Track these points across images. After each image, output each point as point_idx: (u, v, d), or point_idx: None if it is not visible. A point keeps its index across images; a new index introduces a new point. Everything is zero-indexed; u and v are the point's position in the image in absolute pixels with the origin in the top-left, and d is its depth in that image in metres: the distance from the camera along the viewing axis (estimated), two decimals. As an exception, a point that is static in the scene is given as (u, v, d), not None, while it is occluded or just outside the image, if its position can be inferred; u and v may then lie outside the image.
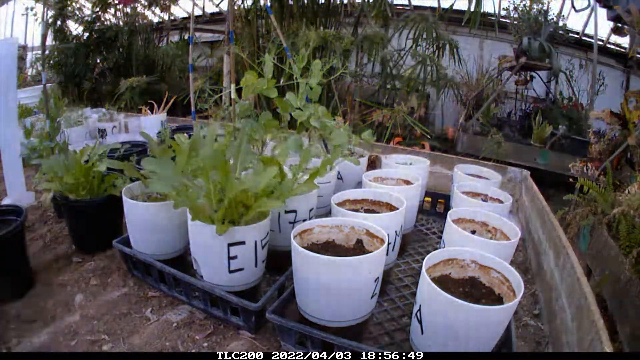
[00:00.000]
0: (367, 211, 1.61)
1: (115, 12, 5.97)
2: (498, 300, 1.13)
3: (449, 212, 1.48)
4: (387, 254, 1.44)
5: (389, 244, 1.41)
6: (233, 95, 1.87)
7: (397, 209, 1.50)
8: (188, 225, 1.32)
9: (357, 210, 1.58)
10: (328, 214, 1.90)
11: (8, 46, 2.03)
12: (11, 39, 2.11)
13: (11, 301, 1.43)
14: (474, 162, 2.56)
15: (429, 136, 4.22)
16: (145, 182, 1.59)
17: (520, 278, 1.05)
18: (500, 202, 1.74)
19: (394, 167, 2.01)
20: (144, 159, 1.18)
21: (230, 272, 1.28)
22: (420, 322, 1.06)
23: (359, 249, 1.32)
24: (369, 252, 1.29)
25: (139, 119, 3.66)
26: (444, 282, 1.18)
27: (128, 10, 5.87)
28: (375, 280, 1.15)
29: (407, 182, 1.89)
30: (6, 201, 2.12)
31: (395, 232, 1.42)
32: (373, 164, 2.75)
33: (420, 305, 1.06)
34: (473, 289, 1.16)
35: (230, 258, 1.26)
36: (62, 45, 5.72)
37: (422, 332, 1.06)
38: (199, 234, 1.27)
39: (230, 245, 1.24)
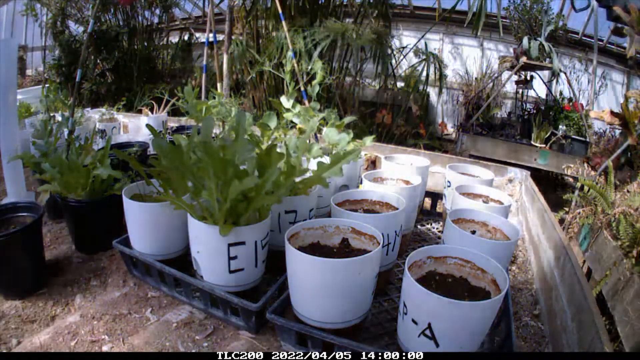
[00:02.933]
0: (366, 211, 1.61)
1: (115, 12, 5.97)
2: (485, 296, 1.12)
3: (449, 212, 1.49)
4: (387, 254, 1.44)
5: (388, 244, 1.41)
6: (220, 90, 1.88)
7: (397, 209, 1.50)
8: (188, 225, 1.32)
9: (356, 211, 1.58)
10: (329, 214, 1.90)
11: (8, 46, 2.03)
12: (11, 39, 2.11)
13: (12, 300, 1.43)
14: (466, 161, 2.55)
15: (421, 131, 4.23)
16: (148, 181, 1.59)
17: (506, 275, 1.05)
18: (501, 203, 1.74)
19: (394, 168, 2.01)
20: (154, 139, 1.19)
21: (231, 272, 1.28)
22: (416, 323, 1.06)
23: (345, 247, 1.33)
24: (355, 249, 1.29)
25: (139, 120, 3.66)
26: (429, 279, 1.18)
27: (128, 10, 5.86)
28: (371, 281, 1.16)
29: (407, 182, 1.89)
30: (5, 201, 2.11)
31: (395, 232, 1.42)
32: (373, 165, 2.75)
33: (404, 302, 1.07)
34: (459, 286, 1.16)
35: (230, 258, 1.26)
36: (62, 44, 5.72)
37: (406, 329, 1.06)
38: (199, 233, 1.28)
39: (230, 245, 1.24)
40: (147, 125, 1.55)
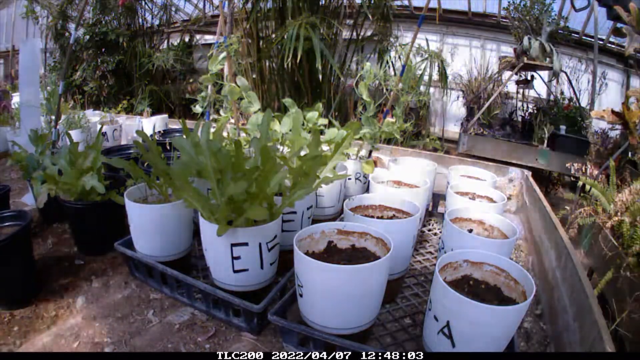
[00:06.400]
0: (378, 217, 1.58)
1: (115, 14, 5.97)
2: (511, 301, 1.12)
3: (447, 211, 1.48)
4: (398, 262, 1.42)
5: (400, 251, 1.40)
6: (224, 92, 1.89)
7: (409, 214, 1.50)
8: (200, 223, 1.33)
9: (367, 216, 1.56)
10: (331, 217, 1.89)
11: (31, 45, 2.21)
12: (34, 39, 2.23)
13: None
14: (467, 162, 2.56)
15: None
16: (149, 182, 1.59)
17: (534, 287, 1.03)
18: (491, 200, 1.75)
19: (399, 171, 2.01)
20: (174, 138, 1.21)
21: (235, 272, 1.29)
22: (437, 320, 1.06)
23: (355, 251, 1.32)
24: (365, 254, 1.29)
25: (140, 122, 3.67)
26: (462, 283, 1.18)
27: (134, 7, 5.85)
28: (381, 287, 1.16)
29: (412, 186, 1.87)
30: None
31: (407, 240, 1.40)
32: (375, 165, 2.74)
33: (430, 298, 1.07)
34: (491, 294, 1.15)
35: (233, 258, 1.26)
36: (63, 47, 5.75)
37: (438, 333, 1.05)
38: (205, 231, 1.29)
39: (233, 245, 1.24)
40: (138, 132, 1.54)
